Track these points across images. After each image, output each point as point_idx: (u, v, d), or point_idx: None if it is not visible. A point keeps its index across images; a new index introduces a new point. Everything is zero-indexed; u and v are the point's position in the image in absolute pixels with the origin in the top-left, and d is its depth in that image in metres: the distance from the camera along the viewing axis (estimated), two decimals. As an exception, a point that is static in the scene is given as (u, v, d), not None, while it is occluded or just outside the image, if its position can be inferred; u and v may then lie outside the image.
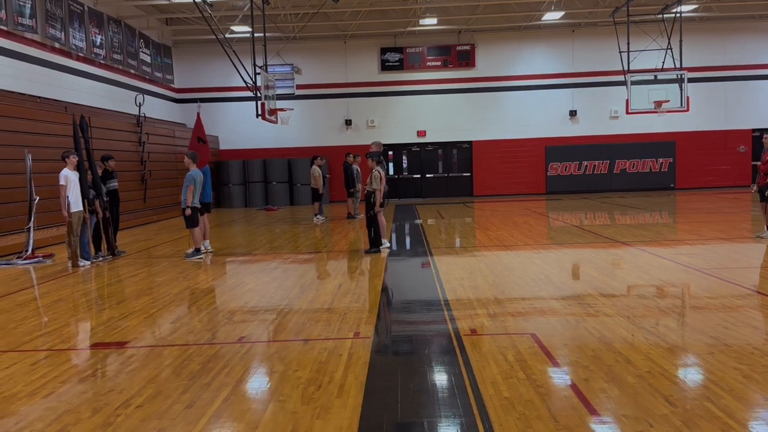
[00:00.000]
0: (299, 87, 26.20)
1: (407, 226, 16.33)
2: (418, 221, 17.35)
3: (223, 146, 26.50)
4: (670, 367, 4.81)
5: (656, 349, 5.28)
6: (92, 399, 4.54)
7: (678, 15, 21.81)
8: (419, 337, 6.05)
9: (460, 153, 27.19)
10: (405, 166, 27.31)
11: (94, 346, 6.01)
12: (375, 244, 11.50)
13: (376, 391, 4.51)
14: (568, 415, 3.97)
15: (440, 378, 4.79)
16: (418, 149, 27.24)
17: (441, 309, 6.96)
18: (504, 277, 8.74)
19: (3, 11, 14.76)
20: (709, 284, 7.84)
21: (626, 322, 6.13)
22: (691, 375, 4.61)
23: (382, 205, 11.42)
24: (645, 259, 9.85)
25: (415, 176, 27.33)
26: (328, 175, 19.99)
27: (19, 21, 15.31)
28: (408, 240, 13.95)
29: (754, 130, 26.25)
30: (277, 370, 5.04)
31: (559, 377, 4.67)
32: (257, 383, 4.85)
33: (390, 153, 26.57)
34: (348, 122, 26.74)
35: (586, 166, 26.68)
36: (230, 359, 5.40)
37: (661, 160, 26.46)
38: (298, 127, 25.54)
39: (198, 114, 14.36)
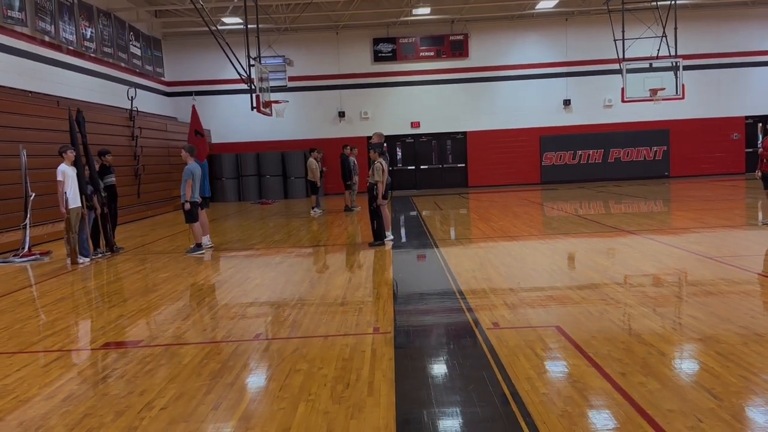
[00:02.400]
0: (291, 79, 25.89)
1: (408, 218, 16.16)
2: (416, 213, 17.19)
3: (215, 140, 26.14)
4: (706, 359, 4.69)
5: (687, 340, 5.18)
6: (113, 401, 4.37)
7: (672, 2, 21.72)
8: (442, 332, 5.91)
9: (455, 144, 27.03)
10: (399, 157, 27.09)
11: (107, 345, 5.82)
12: (379, 236, 11.35)
13: (408, 388, 4.37)
14: (612, 411, 3.85)
15: (471, 374, 4.63)
16: (412, 140, 27.05)
17: (458, 302, 6.82)
18: (515, 269, 8.62)
19: (-8, 4, 14.43)
20: (725, 272, 7.74)
21: (650, 312, 6.03)
22: (729, 366, 4.47)
23: (385, 197, 11.26)
24: (655, 247, 9.76)
25: (409, 168, 27.15)
26: (324, 168, 19.74)
27: (9, 14, 14.96)
28: (411, 232, 13.78)
29: (747, 118, 26.29)
30: (300, 368, 4.88)
31: (594, 372, 4.53)
32: (282, 382, 4.66)
33: (384, 145, 26.25)
34: (341, 114, 26.49)
35: (581, 155, 26.62)
36: (250, 357, 5.25)
37: (655, 148, 26.43)
38: (291, 119, 25.21)
39: (193, 107, 14.15)
